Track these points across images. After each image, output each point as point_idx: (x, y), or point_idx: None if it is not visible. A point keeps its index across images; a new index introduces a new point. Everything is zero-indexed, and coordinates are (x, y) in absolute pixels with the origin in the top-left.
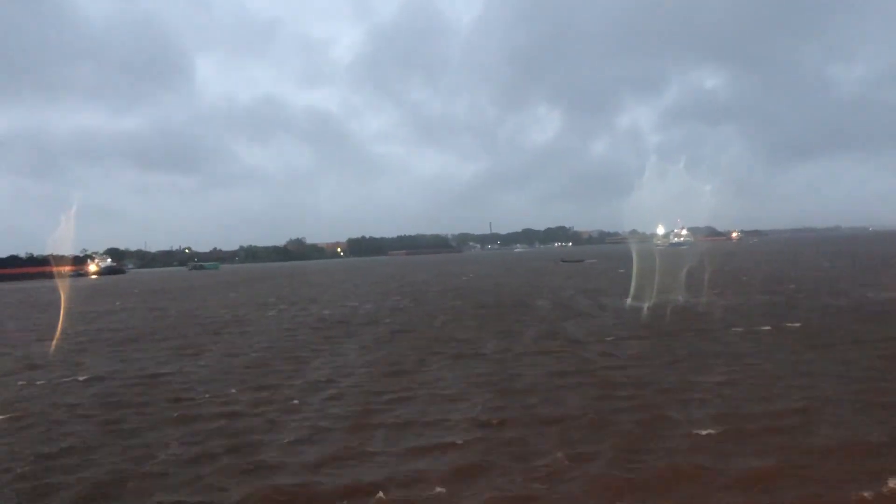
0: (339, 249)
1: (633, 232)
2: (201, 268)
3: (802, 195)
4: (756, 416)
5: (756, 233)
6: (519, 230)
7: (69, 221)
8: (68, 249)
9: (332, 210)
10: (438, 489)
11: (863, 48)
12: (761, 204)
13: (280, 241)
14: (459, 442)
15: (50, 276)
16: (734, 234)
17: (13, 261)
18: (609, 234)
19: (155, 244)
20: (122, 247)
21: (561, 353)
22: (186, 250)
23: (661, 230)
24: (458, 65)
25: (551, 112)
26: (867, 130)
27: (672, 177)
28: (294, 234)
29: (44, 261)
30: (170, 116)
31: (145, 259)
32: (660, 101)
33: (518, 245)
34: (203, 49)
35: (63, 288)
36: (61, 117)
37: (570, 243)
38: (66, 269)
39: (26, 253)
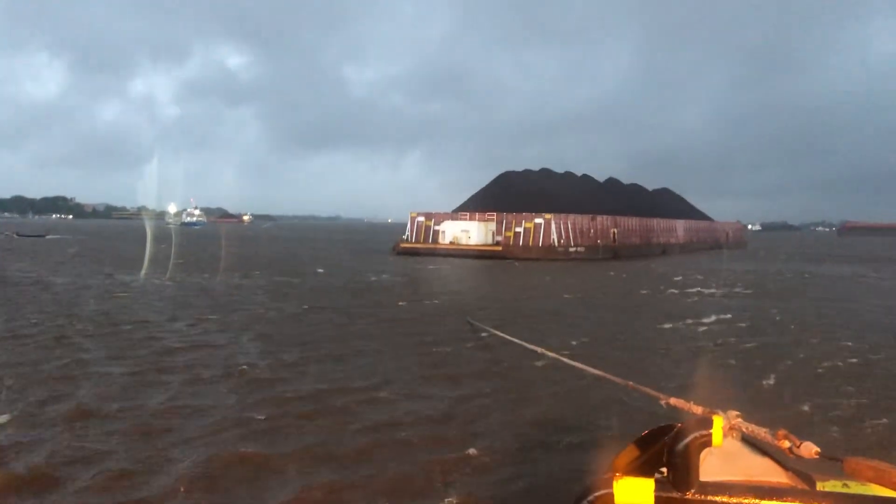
0: None
1: (143, 208)
2: None
3: (310, 184)
4: None
5: (268, 217)
6: (7, 196)
7: None
8: None
9: None
10: None
11: (375, 53)
12: (273, 190)
13: None
14: None
15: None
16: (245, 217)
17: None
18: (116, 208)
19: None
20: None
21: None
22: None
23: (173, 208)
24: None
25: (53, 65)
26: (370, 130)
27: (188, 153)
28: None
29: None
30: None
31: None
32: (180, 71)
33: (7, 214)
34: None
35: None
36: None
37: (71, 216)
38: None
39: None
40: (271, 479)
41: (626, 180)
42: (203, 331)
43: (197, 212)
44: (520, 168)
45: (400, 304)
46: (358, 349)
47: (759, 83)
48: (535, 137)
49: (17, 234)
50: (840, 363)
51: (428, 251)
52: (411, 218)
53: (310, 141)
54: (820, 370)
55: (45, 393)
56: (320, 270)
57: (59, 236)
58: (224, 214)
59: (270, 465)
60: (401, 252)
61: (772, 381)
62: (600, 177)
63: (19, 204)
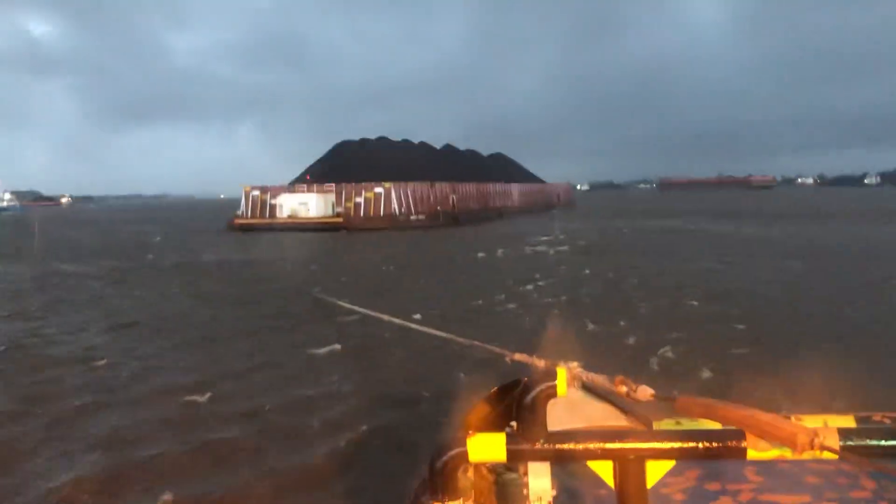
0: None
1: None
2: None
3: (133, 161)
4: None
5: (89, 199)
6: None
7: None
8: None
9: None
10: None
11: (200, 18)
12: (93, 169)
13: None
14: None
15: None
16: (63, 200)
17: None
18: None
19: None
20: None
21: None
22: None
23: None
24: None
25: None
26: (197, 101)
27: None
28: None
29: None
30: None
31: None
32: None
33: None
34: None
35: None
36: None
37: None
38: None
39: None
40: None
41: (462, 146)
42: None
43: (7, 196)
44: (357, 137)
45: (237, 280)
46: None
47: (588, 47)
48: (372, 105)
49: None
50: (663, 309)
51: (265, 226)
52: (245, 192)
53: (130, 114)
54: (647, 316)
55: None
56: (150, 256)
57: None
58: (38, 197)
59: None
60: (236, 228)
61: (608, 330)
62: (437, 143)
63: None
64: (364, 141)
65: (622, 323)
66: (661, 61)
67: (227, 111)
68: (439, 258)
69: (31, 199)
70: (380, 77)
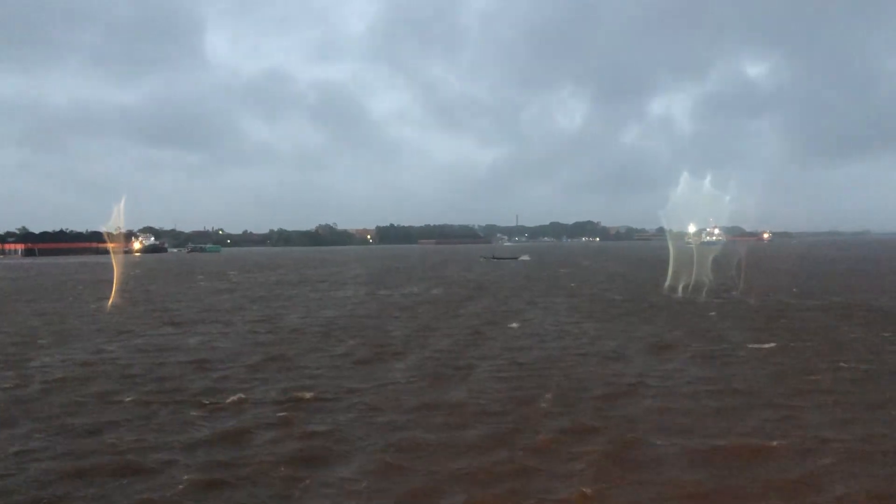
0: (368, 237)
1: (661, 230)
2: (202, 250)
3: (833, 197)
4: None
5: (788, 234)
6: (546, 223)
7: (121, 200)
8: (116, 226)
9: (356, 194)
10: None
11: None
12: (791, 205)
13: (306, 224)
14: None
15: (96, 251)
16: (765, 235)
17: (61, 236)
18: (637, 230)
19: (171, 222)
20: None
21: None
22: (220, 231)
23: (692, 228)
24: (477, 39)
25: (578, 96)
26: None
27: (706, 172)
28: (319, 219)
29: (93, 236)
30: (175, 88)
31: (179, 238)
32: (697, 88)
33: (546, 238)
34: (213, 17)
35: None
36: (60, 84)
37: (598, 238)
38: (117, 245)
39: (65, 228)
40: None
41: None
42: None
43: (717, 231)
44: None
45: None
46: None
47: None
48: None
49: (494, 258)
50: None
51: None
52: None
53: (834, 149)
54: None
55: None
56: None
57: (527, 258)
58: (741, 233)
59: None
60: None
61: None
62: None
63: (555, 229)
64: None
65: None
66: None
67: None
68: None
69: (735, 234)
70: None
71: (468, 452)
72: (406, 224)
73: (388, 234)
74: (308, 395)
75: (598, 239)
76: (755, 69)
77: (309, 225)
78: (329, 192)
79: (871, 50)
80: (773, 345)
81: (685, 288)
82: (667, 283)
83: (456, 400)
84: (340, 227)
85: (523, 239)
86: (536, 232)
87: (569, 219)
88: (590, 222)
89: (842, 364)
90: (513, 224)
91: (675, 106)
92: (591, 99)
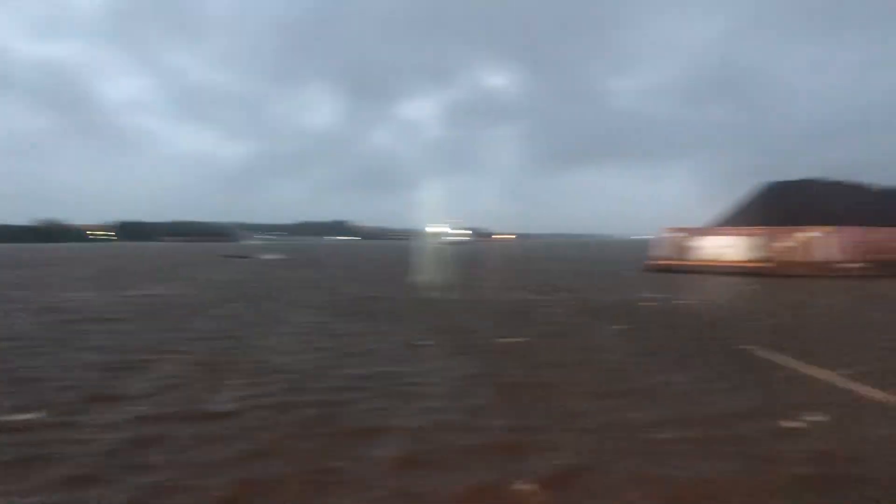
0: (110, 233)
1: (412, 230)
2: None
3: (560, 203)
4: None
5: (527, 236)
6: (300, 221)
7: None
8: None
9: (86, 187)
10: None
11: (640, 61)
12: (528, 209)
13: (22, 219)
14: None
15: None
16: (511, 236)
17: None
18: (390, 230)
19: None
20: None
21: None
22: None
23: (440, 228)
24: (226, 29)
25: (329, 94)
26: (628, 144)
27: (453, 176)
28: (40, 212)
29: None
30: None
31: None
32: (445, 94)
33: (301, 237)
34: None
35: None
36: None
37: (359, 238)
38: None
39: None
40: None
41: None
42: None
43: (466, 232)
44: (791, 178)
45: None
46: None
47: None
48: (819, 143)
49: (228, 256)
50: None
51: (687, 268)
52: (664, 233)
53: (568, 159)
54: None
55: None
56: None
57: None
58: (486, 234)
59: None
60: (654, 269)
61: None
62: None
63: (309, 228)
64: (803, 182)
65: None
66: None
67: (655, 153)
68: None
69: (479, 235)
70: (838, 111)
71: None
72: (152, 220)
73: (131, 232)
74: None
75: (358, 238)
76: (497, 80)
77: (25, 219)
78: (52, 182)
79: (596, 71)
80: None
81: (428, 285)
82: (412, 280)
83: None
84: (70, 221)
85: (273, 237)
86: (293, 230)
87: (323, 217)
88: (344, 221)
89: None
90: (265, 222)
91: (423, 110)
92: (342, 98)
